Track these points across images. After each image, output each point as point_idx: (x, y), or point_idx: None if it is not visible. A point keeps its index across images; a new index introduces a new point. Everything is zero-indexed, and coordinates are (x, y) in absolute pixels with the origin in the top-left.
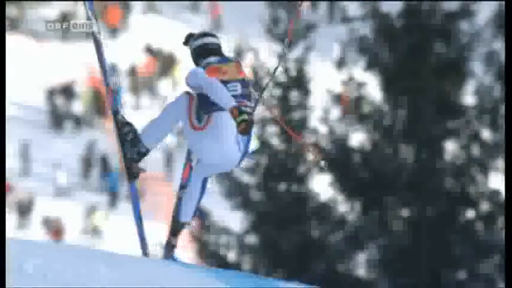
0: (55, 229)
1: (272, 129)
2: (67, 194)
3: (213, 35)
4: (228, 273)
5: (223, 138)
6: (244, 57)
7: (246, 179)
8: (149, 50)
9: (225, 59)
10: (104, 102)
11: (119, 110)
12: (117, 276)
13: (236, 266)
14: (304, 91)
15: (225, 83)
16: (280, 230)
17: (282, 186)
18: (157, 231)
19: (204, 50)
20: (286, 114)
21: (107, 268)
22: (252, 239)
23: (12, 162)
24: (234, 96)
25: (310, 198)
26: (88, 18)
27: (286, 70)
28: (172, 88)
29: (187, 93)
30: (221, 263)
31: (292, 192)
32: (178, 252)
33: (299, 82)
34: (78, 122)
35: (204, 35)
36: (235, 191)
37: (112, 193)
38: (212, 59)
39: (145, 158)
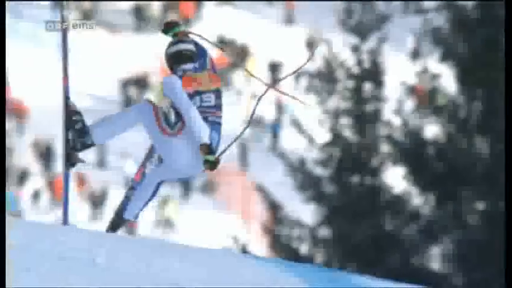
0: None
1: (345, 122)
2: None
3: (187, 42)
4: (301, 266)
5: (195, 146)
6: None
7: (319, 171)
8: (222, 42)
9: (199, 67)
10: None
11: (69, 97)
12: (188, 267)
13: (309, 259)
14: (378, 83)
15: (199, 93)
16: (353, 223)
17: (355, 179)
18: (230, 223)
19: (178, 56)
20: (360, 106)
21: (179, 260)
22: (324, 232)
23: (86, 153)
24: (207, 106)
25: (383, 191)
26: (62, 19)
27: (359, 62)
28: (245, 80)
29: (150, 101)
30: (294, 255)
31: (366, 185)
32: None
33: (373, 74)
34: None
35: (178, 41)
36: (308, 184)
37: (185, 184)
38: (187, 66)
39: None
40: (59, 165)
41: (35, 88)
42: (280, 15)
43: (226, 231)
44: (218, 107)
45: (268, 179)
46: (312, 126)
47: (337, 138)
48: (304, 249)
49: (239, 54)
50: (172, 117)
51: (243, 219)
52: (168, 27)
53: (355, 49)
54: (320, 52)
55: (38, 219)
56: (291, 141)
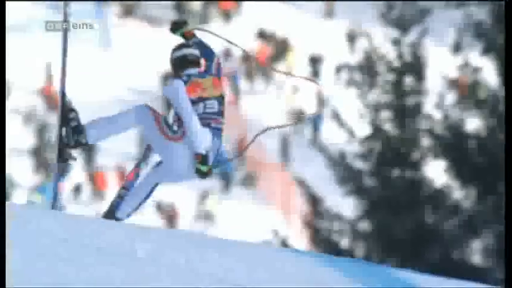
0: (168, 214)
1: (385, 115)
2: None
3: (192, 46)
4: (341, 260)
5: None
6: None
7: (359, 165)
8: (263, 35)
9: (203, 73)
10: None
11: (66, 94)
12: (228, 261)
13: (349, 253)
14: (419, 76)
15: (203, 99)
16: (394, 217)
17: (396, 172)
18: (271, 216)
19: (183, 61)
20: (401, 100)
21: (218, 253)
22: (364, 226)
23: (128, 147)
24: (210, 113)
25: (424, 184)
26: (65, 19)
27: (400, 55)
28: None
29: (148, 105)
30: (334, 249)
31: (406, 178)
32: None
33: (413, 67)
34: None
35: (183, 46)
36: (348, 178)
37: (225, 178)
38: (192, 71)
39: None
40: (100, 158)
41: (77, 82)
42: (321, 9)
43: (266, 224)
44: (221, 113)
45: (309, 173)
46: (352, 120)
47: (377, 131)
48: (344, 243)
49: (279, 48)
50: (171, 120)
51: (283, 212)
52: (176, 27)
53: (396, 42)
54: (361, 45)
55: (79, 213)
56: (331, 135)
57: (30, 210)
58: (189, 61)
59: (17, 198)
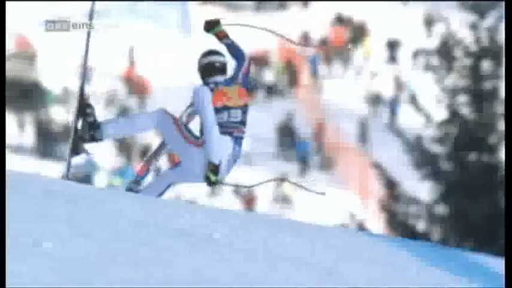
0: (246, 198)
1: (462, 99)
2: (248, 161)
3: (219, 53)
4: (417, 244)
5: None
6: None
7: (436, 149)
8: (340, 20)
9: (230, 81)
10: (296, 72)
11: (85, 90)
12: (304, 244)
13: (425, 236)
14: (496, 61)
15: (228, 108)
16: (470, 201)
17: (472, 156)
18: (347, 200)
19: (210, 68)
20: (478, 84)
21: (293, 237)
22: (441, 209)
23: None
24: (234, 122)
25: (500, 168)
26: (90, 17)
27: (477, 40)
28: (364, 58)
29: (166, 111)
30: (410, 233)
31: (483, 162)
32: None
33: (491, 52)
34: (270, 91)
35: (211, 53)
36: (425, 162)
37: (302, 162)
38: (219, 78)
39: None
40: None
41: (158, 67)
42: None
43: (343, 208)
44: (243, 123)
45: (386, 156)
46: (429, 104)
47: (454, 116)
48: (420, 226)
49: (357, 32)
50: (184, 118)
51: (360, 196)
52: (209, 27)
53: (474, 27)
54: (438, 30)
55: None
56: (409, 119)
57: (109, 192)
58: (216, 68)
59: (98, 181)
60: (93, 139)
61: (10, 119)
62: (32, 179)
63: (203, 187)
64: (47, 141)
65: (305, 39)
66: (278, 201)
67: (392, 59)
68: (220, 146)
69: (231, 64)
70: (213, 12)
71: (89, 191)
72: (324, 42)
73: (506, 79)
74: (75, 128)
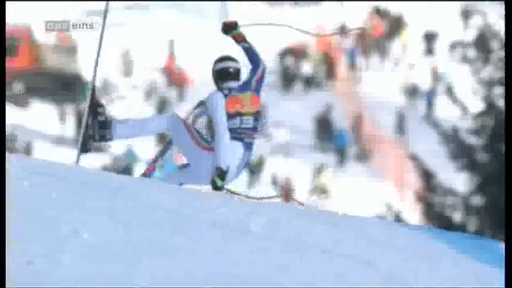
0: (284, 188)
1: (499, 91)
2: (286, 152)
3: (233, 59)
4: (453, 234)
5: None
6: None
7: (472, 140)
8: (378, 12)
9: (243, 87)
10: (334, 64)
11: (96, 89)
12: (338, 235)
13: (461, 227)
14: None
15: (240, 115)
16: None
17: None
18: (384, 191)
19: (224, 73)
20: None
21: (330, 227)
22: (477, 200)
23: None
24: (245, 128)
25: None
26: (104, 16)
27: None
28: (402, 50)
29: (178, 115)
30: (446, 223)
31: None
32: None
33: None
34: (307, 83)
35: (225, 58)
36: (461, 153)
37: (340, 153)
38: (233, 84)
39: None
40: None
41: (197, 59)
42: None
43: (380, 199)
44: (255, 129)
45: (422, 147)
46: (465, 96)
47: (490, 108)
48: (457, 217)
49: (394, 25)
50: (190, 118)
51: (397, 187)
52: (227, 28)
53: None
54: (475, 23)
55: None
56: (445, 110)
57: (147, 183)
58: (230, 73)
59: (138, 171)
60: (103, 138)
61: (51, 110)
62: (72, 170)
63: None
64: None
65: (342, 31)
66: (316, 192)
67: (430, 51)
68: (230, 152)
69: (246, 65)
70: (251, 5)
71: (128, 182)
72: (361, 35)
73: (506, 79)
74: (86, 125)
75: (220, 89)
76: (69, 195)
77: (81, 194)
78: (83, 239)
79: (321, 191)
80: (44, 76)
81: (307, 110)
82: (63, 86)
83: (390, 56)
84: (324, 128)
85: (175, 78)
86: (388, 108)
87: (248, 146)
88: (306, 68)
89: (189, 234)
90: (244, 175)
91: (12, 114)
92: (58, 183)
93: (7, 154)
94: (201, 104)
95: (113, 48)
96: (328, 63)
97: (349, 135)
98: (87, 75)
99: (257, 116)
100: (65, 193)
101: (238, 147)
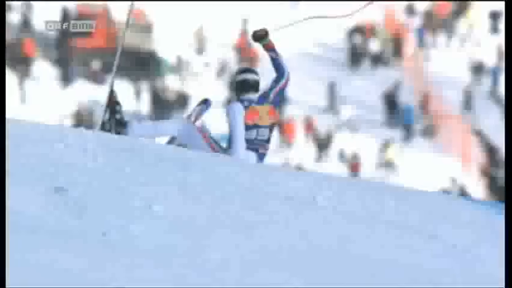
0: (351, 163)
1: None
2: (353, 128)
3: (254, 71)
4: None
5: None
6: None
7: None
8: None
9: (262, 99)
10: (401, 42)
11: (113, 87)
12: (404, 209)
13: None
14: None
15: (258, 127)
16: None
17: None
18: (450, 166)
19: (245, 85)
20: None
21: (395, 201)
22: None
23: (316, 99)
24: (261, 140)
25: None
26: (128, 15)
27: None
28: (468, 28)
29: (189, 121)
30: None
31: None
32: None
33: None
34: (375, 60)
35: (246, 70)
36: None
37: (407, 127)
38: (253, 96)
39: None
40: (291, 109)
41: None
42: None
43: (445, 174)
44: (269, 140)
45: (488, 123)
46: None
47: None
48: None
49: (460, 4)
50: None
51: (462, 162)
52: (257, 37)
53: None
54: None
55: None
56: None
57: (218, 158)
58: (250, 85)
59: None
60: (119, 135)
61: (127, 87)
62: (146, 145)
63: (310, 153)
64: (162, 109)
65: (409, 12)
66: (382, 166)
67: (495, 29)
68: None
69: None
70: None
71: (199, 157)
72: (428, 14)
73: (506, 79)
74: (103, 122)
75: (240, 100)
76: (143, 170)
77: (155, 168)
78: (155, 212)
79: (387, 165)
80: (120, 54)
81: (375, 86)
82: (137, 63)
83: (457, 35)
84: (391, 104)
85: (246, 56)
86: (454, 85)
87: (261, 157)
88: (374, 45)
89: (259, 207)
90: (312, 151)
91: (91, 91)
92: (132, 158)
93: (84, 130)
94: (204, 101)
95: (187, 27)
96: (396, 41)
97: (416, 111)
98: (162, 52)
99: (272, 127)
100: (139, 167)
101: (252, 157)
